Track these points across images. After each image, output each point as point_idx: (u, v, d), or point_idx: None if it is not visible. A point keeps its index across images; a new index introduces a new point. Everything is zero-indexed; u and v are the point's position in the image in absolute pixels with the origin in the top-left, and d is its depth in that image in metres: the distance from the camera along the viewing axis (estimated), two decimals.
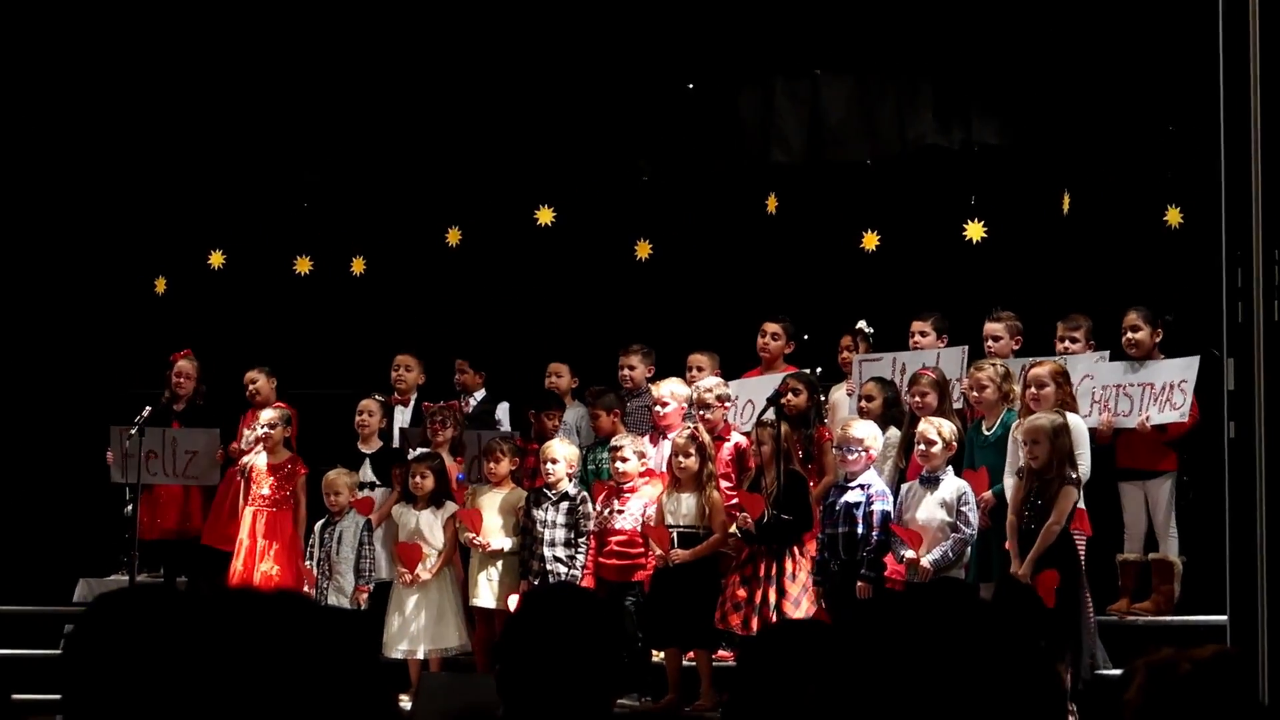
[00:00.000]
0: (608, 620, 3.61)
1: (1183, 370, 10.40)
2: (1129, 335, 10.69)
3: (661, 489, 10.75)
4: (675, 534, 10.49)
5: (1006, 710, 2.61)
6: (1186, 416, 10.35)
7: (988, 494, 10.05)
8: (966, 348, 10.92)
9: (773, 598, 10.02)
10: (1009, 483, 9.91)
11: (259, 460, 11.78)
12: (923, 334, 11.27)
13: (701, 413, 11.00)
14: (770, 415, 10.29)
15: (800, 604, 10.10)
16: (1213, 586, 8.70)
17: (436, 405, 11.89)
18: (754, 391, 11.42)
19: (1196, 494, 10.52)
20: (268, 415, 11.87)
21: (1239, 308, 7.68)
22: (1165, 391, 10.43)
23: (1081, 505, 9.93)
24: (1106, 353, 10.76)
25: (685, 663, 10.59)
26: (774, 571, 10.07)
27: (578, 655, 3.48)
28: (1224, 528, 7.77)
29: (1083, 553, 9.83)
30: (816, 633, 3.45)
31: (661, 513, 10.60)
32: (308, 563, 11.40)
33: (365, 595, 11.29)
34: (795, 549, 10.22)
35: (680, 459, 10.53)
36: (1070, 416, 9.90)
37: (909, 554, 9.83)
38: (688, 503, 10.53)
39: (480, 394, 12.58)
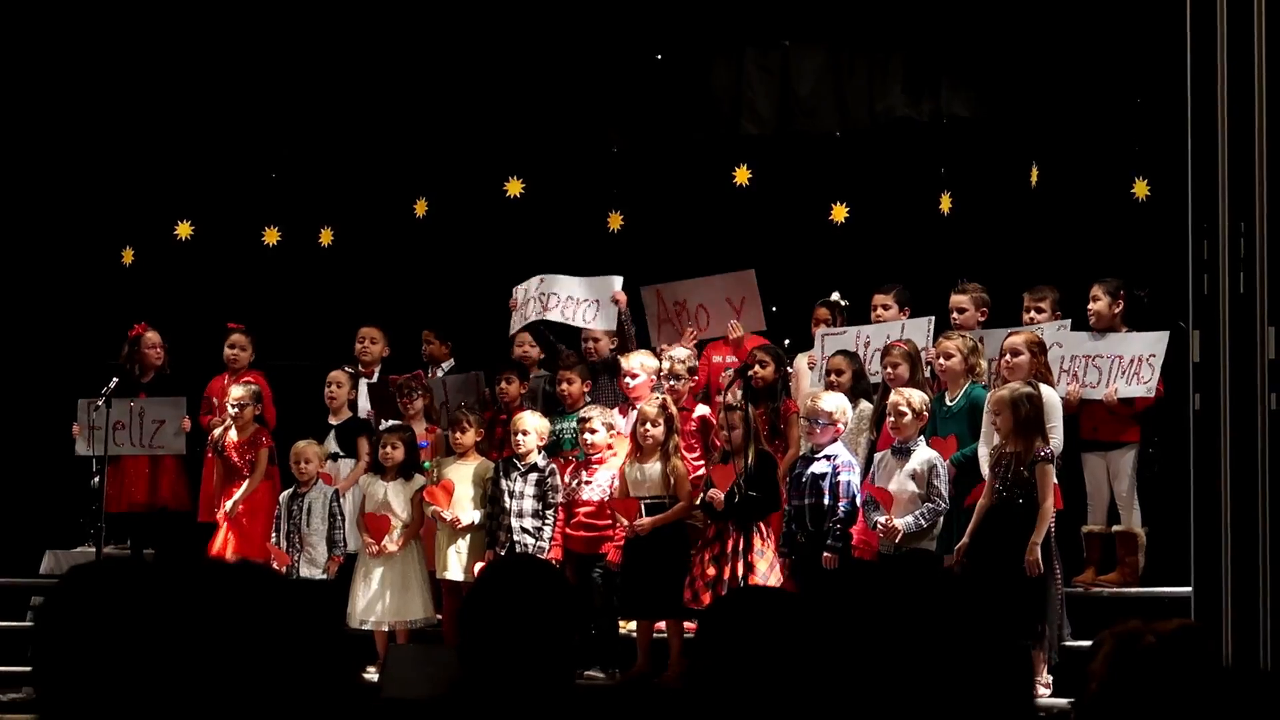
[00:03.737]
0: (566, 592, 3.63)
1: (1152, 345, 10.43)
2: (1089, 305, 10.76)
3: (624, 460, 10.76)
4: (641, 504, 10.51)
5: (972, 680, 2.63)
6: (1153, 391, 10.40)
7: (946, 463, 10.08)
8: (932, 318, 10.95)
9: (741, 572, 10.04)
10: (982, 452, 9.95)
11: (229, 436, 11.77)
12: (885, 307, 11.30)
13: (671, 383, 11.02)
14: (738, 396, 10.28)
15: (769, 579, 10.11)
16: (1177, 558, 8.76)
17: (402, 377, 11.88)
18: (701, 295, 11.58)
19: (1161, 466, 10.58)
20: (237, 393, 11.84)
21: (1205, 280, 7.72)
22: (1134, 365, 10.47)
23: (1054, 480, 9.98)
24: (1068, 321, 10.81)
25: (655, 634, 10.62)
26: (740, 548, 10.08)
27: (536, 627, 3.50)
28: (1188, 499, 7.82)
29: (1053, 526, 9.89)
30: (776, 600, 3.47)
31: (624, 484, 10.61)
32: (274, 534, 11.37)
33: (336, 566, 11.27)
34: (761, 525, 10.24)
35: (649, 426, 10.54)
36: (1042, 388, 9.94)
37: (881, 518, 9.86)
38: (651, 472, 10.54)
39: (448, 364, 12.57)
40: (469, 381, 12.00)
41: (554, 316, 11.86)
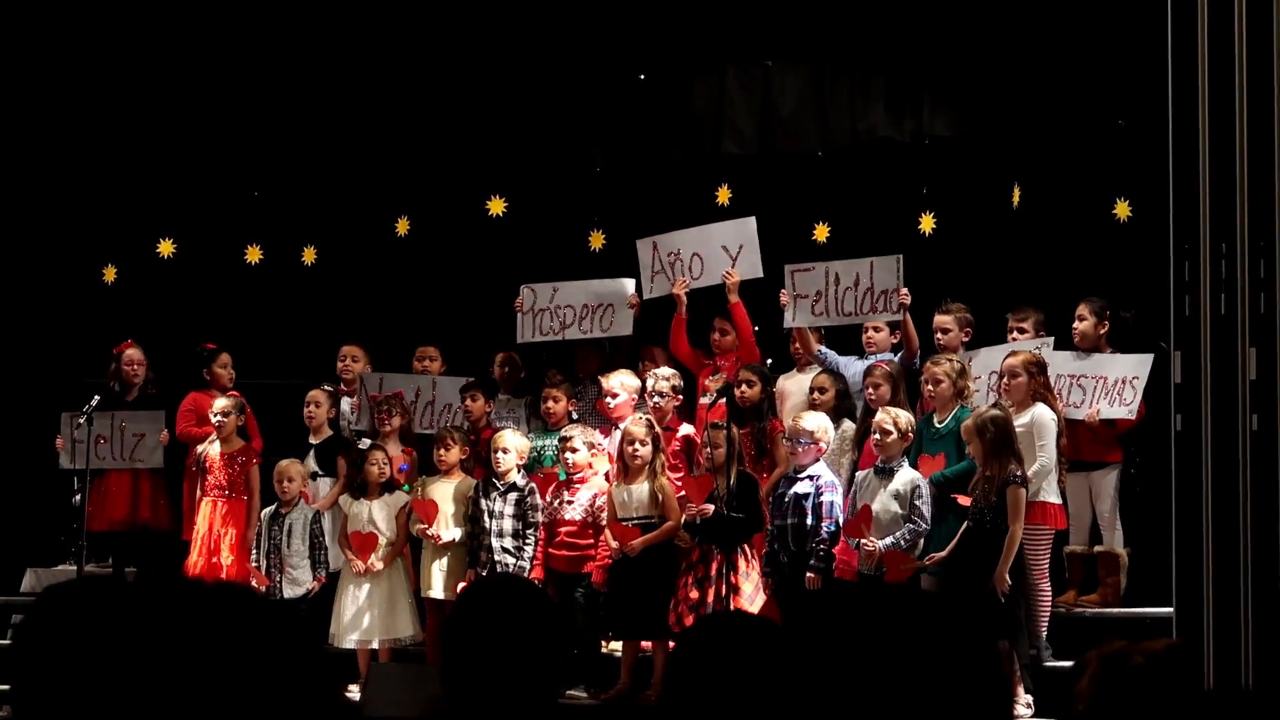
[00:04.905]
0: (548, 611, 3.62)
1: (1136, 367, 10.46)
2: (1074, 325, 10.78)
3: (609, 481, 10.75)
4: (631, 525, 10.49)
5: (951, 702, 2.63)
6: (1135, 414, 10.42)
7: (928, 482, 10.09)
8: (900, 256, 10.96)
9: (725, 594, 10.03)
10: None
11: (212, 449, 11.76)
12: (876, 329, 11.31)
13: (655, 401, 11.02)
14: (722, 409, 10.30)
15: (755, 601, 10.11)
16: (1159, 578, 8.76)
17: (382, 395, 11.88)
18: (696, 244, 11.57)
19: (1142, 486, 10.60)
20: (221, 404, 11.85)
21: (1186, 301, 7.73)
22: (1117, 386, 10.49)
23: (1055, 500, 9.99)
24: (1050, 339, 10.84)
25: (640, 653, 10.60)
26: (724, 569, 10.07)
27: (519, 646, 3.49)
28: (1169, 520, 7.82)
29: (1049, 546, 9.91)
30: (752, 626, 3.46)
31: (612, 506, 10.59)
32: (254, 554, 11.34)
33: (319, 586, 11.23)
34: (746, 547, 10.24)
35: (637, 446, 10.52)
36: (1038, 408, 9.97)
37: (861, 538, 9.87)
38: (639, 492, 10.53)
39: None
40: (458, 385, 11.98)
41: (572, 335, 11.88)
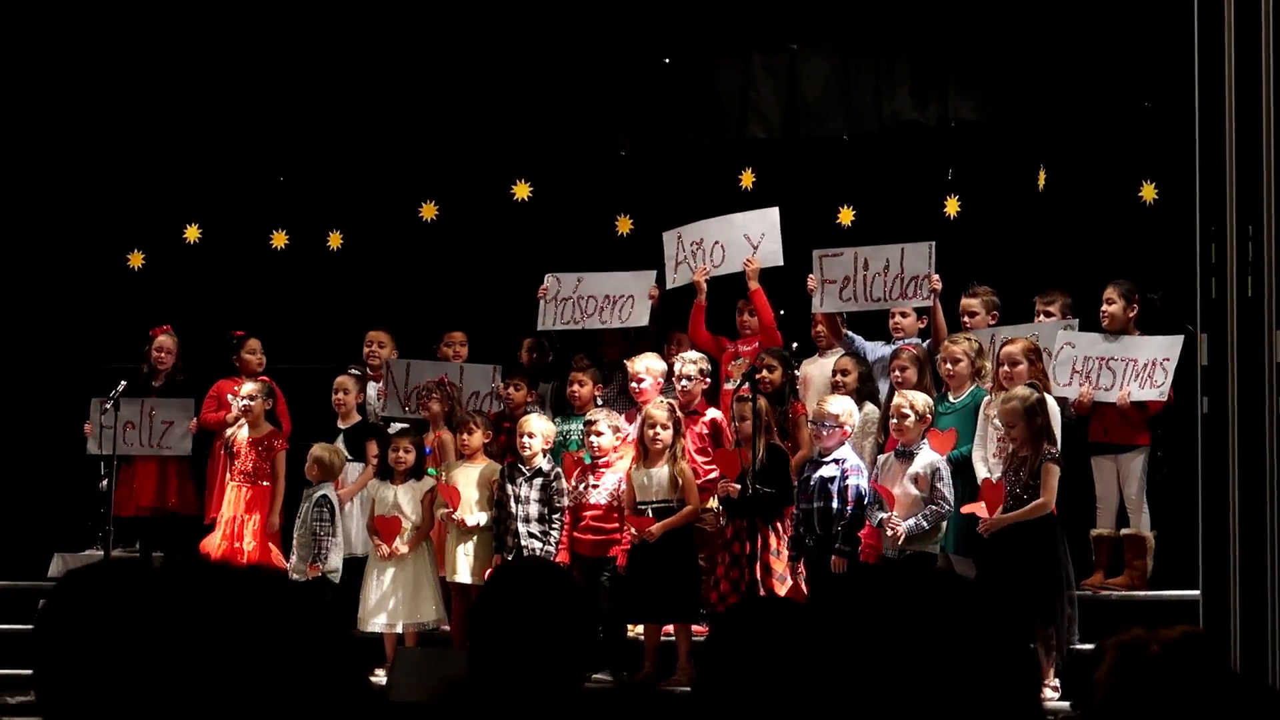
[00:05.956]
0: (576, 595, 3.62)
1: (1166, 348, 10.42)
2: (1103, 308, 10.75)
3: (630, 464, 10.76)
4: (650, 509, 10.50)
5: (978, 685, 2.62)
6: (1166, 395, 10.38)
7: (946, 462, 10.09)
8: (933, 243, 10.95)
9: (759, 575, 10.04)
10: (977, 455, 9.98)
11: (240, 434, 11.78)
12: (903, 314, 11.29)
13: (683, 385, 11.02)
14: (747, 389, 10.31)
15: (787, 580, 10.13)
16: (1186, 561, 8.75)
17: (429, 381, 11.88)
18: (719, 233, 11.58)
19: (1169, 469, 10.56)
20: (249, 388, 11.88)
21: (1213, 283, 7.71)
22: (1148, 369, 10.46)
23: None
24: (1076, 321, 10.82)
25: (663, 637, 10.62)
26: (759, 547, 10.08)
27: (547, 630, 3.50)
28: (1197, 502, 7.81)
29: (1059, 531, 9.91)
30: (786, 610, 3.47)
31: (631, 490, 10.60)
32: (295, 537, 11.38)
33: (314, 574, 11.15)
34: (778, 524, 10.24)
35: (658, 430, 10.53)
36: (1045, 397, 9.94)
37: (883, 514, 9.86)
38: (659, 476, 10.53)
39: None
40: (486, 373, 12.01)
41: (593, 324, 11.91)
